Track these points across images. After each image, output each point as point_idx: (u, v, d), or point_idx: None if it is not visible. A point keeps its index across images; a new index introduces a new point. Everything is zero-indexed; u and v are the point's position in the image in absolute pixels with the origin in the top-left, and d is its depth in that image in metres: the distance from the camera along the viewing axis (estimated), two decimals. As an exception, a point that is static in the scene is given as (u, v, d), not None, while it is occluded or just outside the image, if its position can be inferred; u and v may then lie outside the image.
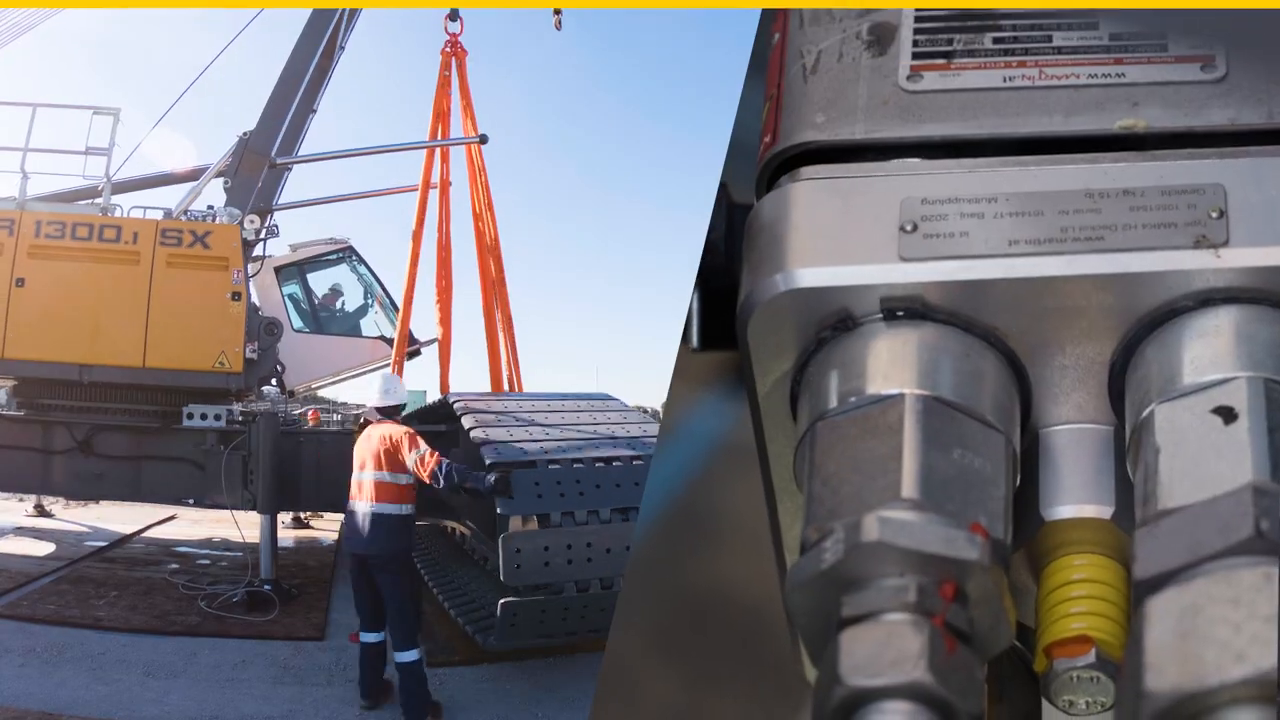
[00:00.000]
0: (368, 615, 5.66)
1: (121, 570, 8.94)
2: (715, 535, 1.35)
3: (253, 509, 8.43)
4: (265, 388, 10.55)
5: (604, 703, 1.42)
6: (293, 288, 11.11)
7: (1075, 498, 0.96)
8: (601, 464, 6.14)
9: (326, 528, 12.27)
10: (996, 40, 1.03)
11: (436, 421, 8.35)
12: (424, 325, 10.59)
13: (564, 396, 7.98)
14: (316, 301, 11.31)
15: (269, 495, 8.25)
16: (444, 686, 6.20)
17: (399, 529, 5.51)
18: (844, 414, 0.93)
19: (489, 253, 10.26)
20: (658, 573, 1.43)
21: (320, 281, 11.54)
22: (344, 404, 14.81)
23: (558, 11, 9.73)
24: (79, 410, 8.64)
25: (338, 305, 11.59)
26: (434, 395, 10.20)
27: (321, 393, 13.69)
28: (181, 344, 8.59)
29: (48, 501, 12.31)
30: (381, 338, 11.23)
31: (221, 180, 9.45)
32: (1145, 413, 0.89)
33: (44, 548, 9.88)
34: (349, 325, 11.53)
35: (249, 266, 9.06)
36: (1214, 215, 0.90)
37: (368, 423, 6.09)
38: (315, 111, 10.06)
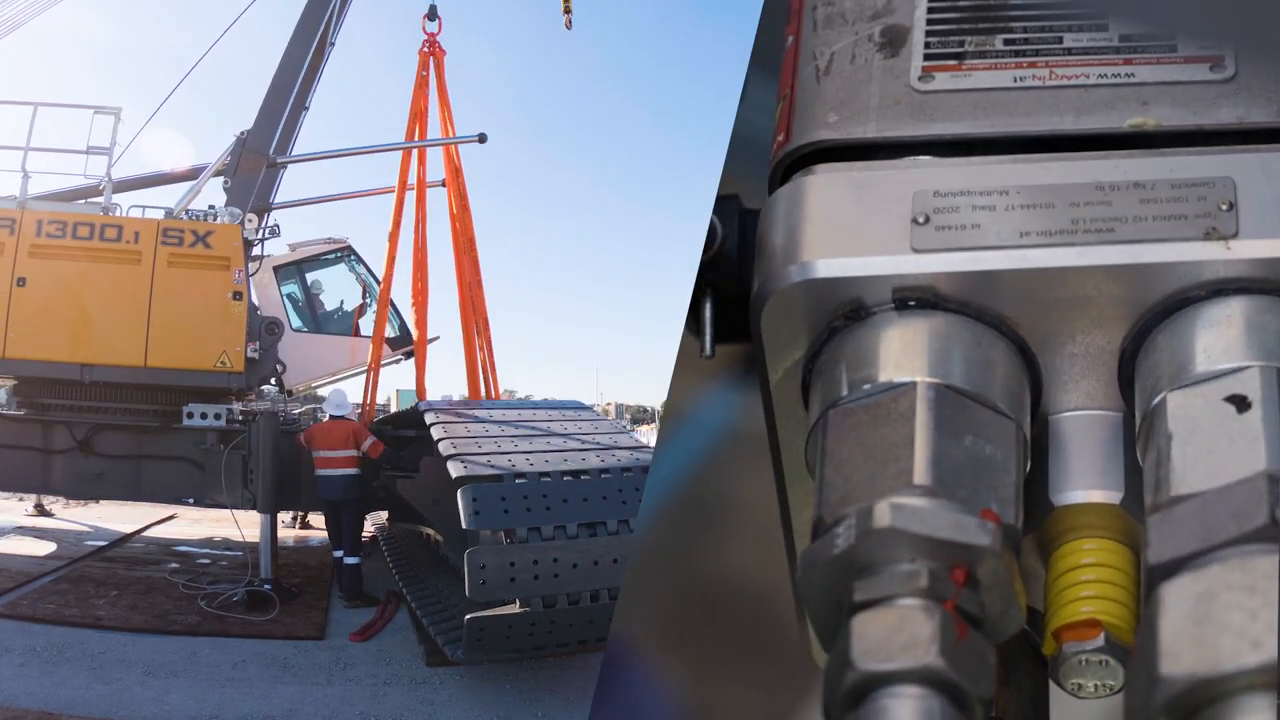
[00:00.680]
0: (335, 539, 8.55)
1: (121, 570, 8.95)
2: (721, 524, 1.35)
3: (253, 508, 8.45)
4: (265, 387, 10.56)
5: (607, 691, 1.42)
6: (291, 287, 11.12)
7: (1085, 483, 0.97)
8: (569, 478, 6.07)
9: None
10: (1007, 41, 1.04)
11: (410, 427, 8.42)
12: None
13: (535, 405, 8.01)
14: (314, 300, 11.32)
15: (269, 495, 8.26)
16: (444, 686, 6.21)
17: (354, 483, 8.42)
18: (856, 401, 0.94)
19: (465, 253, 10.24)
20: (663, 562, 1.43)
21: (319, 281, 11.56)
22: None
23: (568, 10, 9.66)
24: (79, 410, 8.65)
25: (323, 305, 11.59)
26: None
27: (320, 392, 13.69)
28: (183, 343, 8.60)
29: (48, 501, 12.32)
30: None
31: (221, 180, 9.46)
32: (1157, 400, 0.90)
33: (44, 547, 9.89)
34: (347, 325, 11.53)
35: (248, 266, 9.06)
36: (1224, 207, 0.91)
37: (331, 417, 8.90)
38: (308, 109, 10.08)
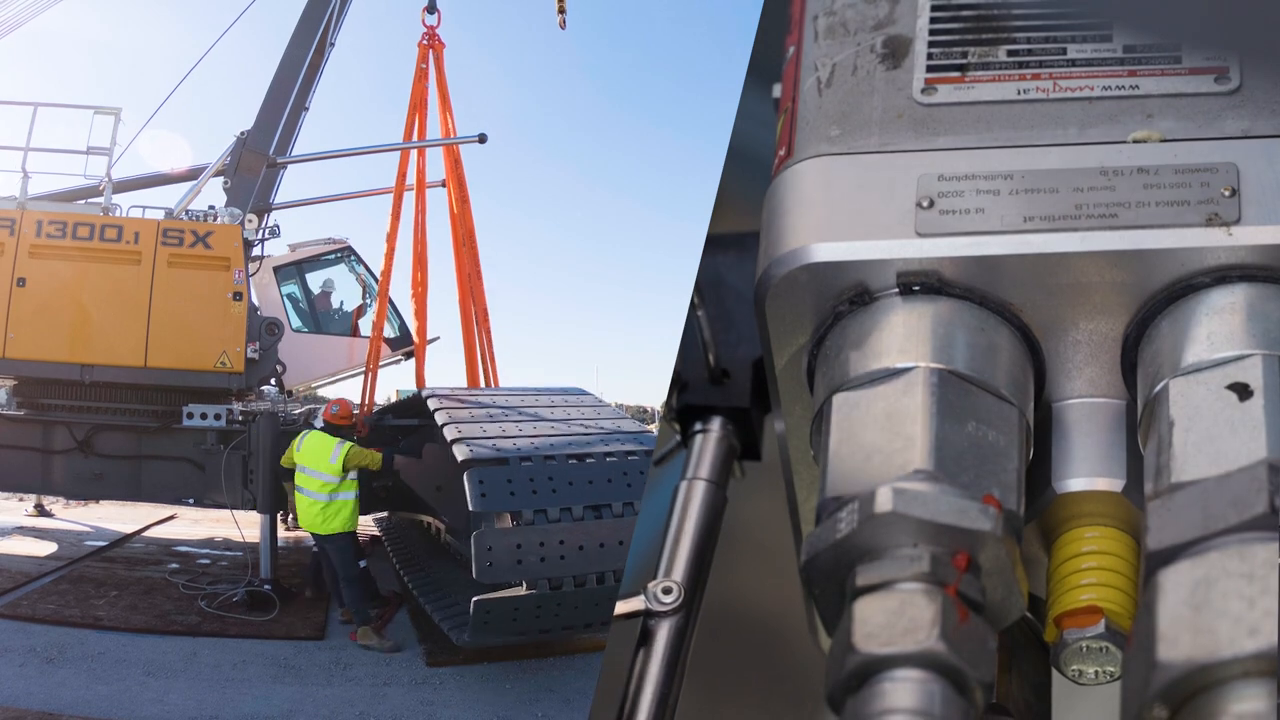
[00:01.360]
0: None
1: (121, 570, 8.94)
2: (730, 547, 1.34)
3: (253, 509, 8.43)
4: (265, 387, 10.54)
5: (606, 708, 1.41)
6: (291, 287, 11.11)
7: (1087, 470, 0.97)
8: (574, 460, 6.09)
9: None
10: (1010, 53, 1.03)
11: (411, 416, 8.39)
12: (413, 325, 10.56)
13: (537, 391, 7.95)
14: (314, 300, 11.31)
15: (269, 495, 8.25)
16: (444, 686, 6.20)
17: None
18: (860, 386, 0.94)
19: (464, 246, 10.20)
20: None
21: (318, 281, 11.55)
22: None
23: (562, 10, 9.63)
24: (79, 410, 8.64)
25: (335, 304, 11.58)
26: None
27: (321, 392, 13.68)
28: (183, 344, 8.58)
29: (48, 501, 12.30)
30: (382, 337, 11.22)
31: (220, 180, 9.45)
32: (1159, 387, 0.90)
33: (44, 547, 9.87)
34: (347, 325, 11.53)
35: (248, 266, 9.05)
36: (1226, 194, 0.91)
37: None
38: (308, 109, 10.05)
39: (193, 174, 9.73)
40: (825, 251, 0.97)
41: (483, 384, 10.10)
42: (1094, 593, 0.93)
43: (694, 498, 1.15)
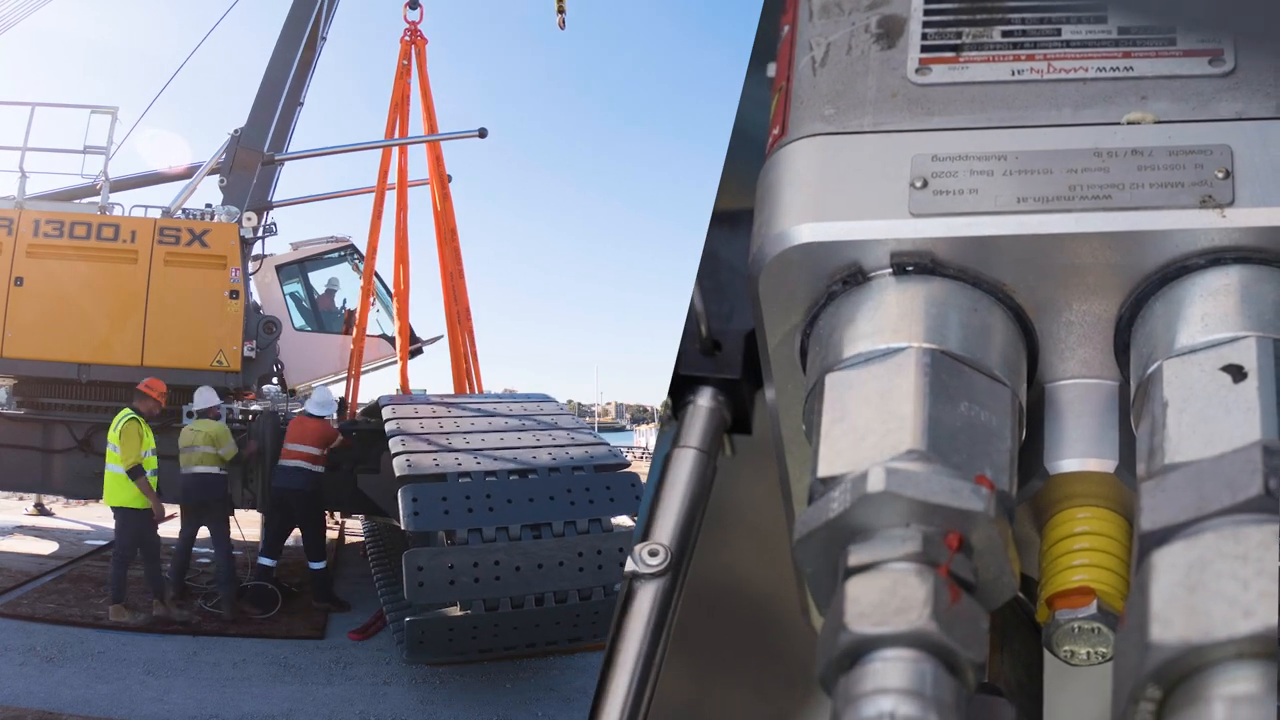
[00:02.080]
0: (270, 542, 8.08)
1: (121, 569, 8.92)
2: (722, 527, 1.34)
3: (253, 508, 8.43)
4: (266, 386, 10.54)
5: (607, 694, 1.42)
6: (294, 286, 11.11)
7: (1080, 451, 0.97)
8: (516, 476, 5.81)
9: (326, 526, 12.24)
10: (1005, 34, 1.03)
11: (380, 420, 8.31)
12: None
13: (498, 399, 7.81)
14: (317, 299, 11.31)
15: (268, 494, 8.24)
16: (444, 686, 6.20)
17: (310, 480, 7.97)
18: (852, 366, 0.94)
19: (446, 243, 10.17)
20: None
21: (322, 280, 11.54)
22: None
23: (561, 10, 9.60)
24: (79, 409, 8.64)
25: (338, 303, 11.58)
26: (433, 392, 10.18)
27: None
28: (180, 342, 8.59)
29: (48, 500, 12.31)
30: (383, 335, 11.22)
31: (217, 178, 9.44)
32: (1153, 368, 0.89)
33: (44, 546, 9.88)
34: (350, 323, 11.52)
35: (248, 265, 9.05)
36: (1220, 175, 0.91)
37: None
38: (302, 105, 10.03)
39: (189, 172, 9.74)
40: (819, 231, 0.96)
41: (467, 385, 10.06)
42: (1086, 573, 0.93)
43: (683, 464, 1.15)
